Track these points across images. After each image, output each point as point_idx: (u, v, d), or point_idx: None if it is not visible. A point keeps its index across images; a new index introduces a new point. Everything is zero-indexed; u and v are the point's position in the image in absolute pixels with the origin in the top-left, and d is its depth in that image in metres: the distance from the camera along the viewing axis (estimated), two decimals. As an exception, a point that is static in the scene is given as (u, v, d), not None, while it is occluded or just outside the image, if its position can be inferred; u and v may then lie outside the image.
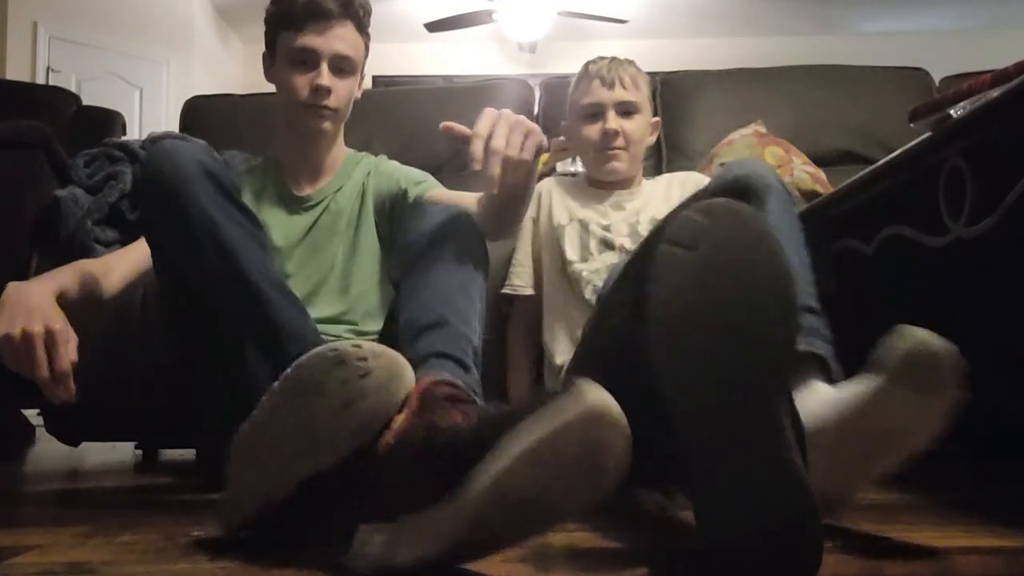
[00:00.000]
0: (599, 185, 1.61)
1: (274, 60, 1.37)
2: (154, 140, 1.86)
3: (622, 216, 1.54)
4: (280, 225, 1.37)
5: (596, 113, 1.56)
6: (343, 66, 1.34)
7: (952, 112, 1.07)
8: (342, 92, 1.34)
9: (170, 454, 2.04)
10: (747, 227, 0.73)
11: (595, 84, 1.56)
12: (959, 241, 0.98)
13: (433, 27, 5.34)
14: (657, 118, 1.64)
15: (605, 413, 0.67)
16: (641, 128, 1.57)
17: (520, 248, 1.60)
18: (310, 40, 1.31)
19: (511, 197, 1.11)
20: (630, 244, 1.48)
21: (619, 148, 1.55)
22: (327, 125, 1.35)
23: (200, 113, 2.33)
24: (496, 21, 5.34)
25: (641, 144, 1.59)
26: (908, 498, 1.11)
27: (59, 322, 1.02)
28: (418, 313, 0.96)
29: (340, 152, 1.45)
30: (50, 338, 1.00)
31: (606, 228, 1.52)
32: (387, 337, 1.17)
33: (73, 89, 3.92)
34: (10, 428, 2.26)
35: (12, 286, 1.06)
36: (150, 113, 4.97)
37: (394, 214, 1.38)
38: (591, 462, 0.68)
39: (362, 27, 1.36)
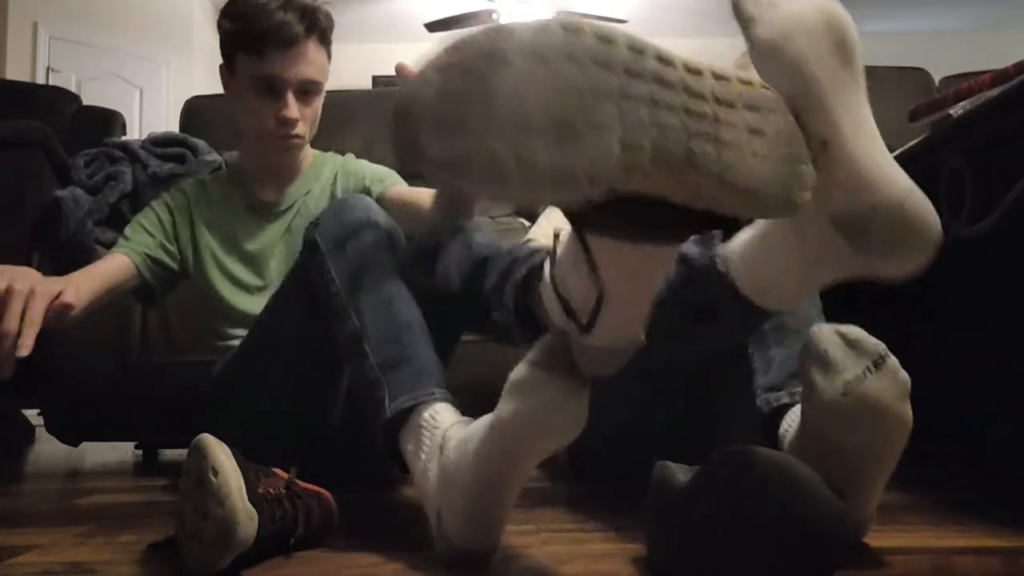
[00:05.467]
0: None
1: (233, 76, 1.27)
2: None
3: None
4: (255, 232, 1.37)
5: None
6: (310, 88, 1.26)
7: (952, 112, 1.07)
8: (309, 116, 1.29)
9: (170, 454, 2.03)
10: None
11: None
12: (959, 241, 0.98)
13: (433, 27, 5.34)
14: None
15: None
16: None
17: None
18: (274, 68, 1.21)
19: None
20: None
21: None
22: (295, 152, 1.33)
23: (200, 113, 2.32)
24: (496, 21, 5.33)
25: None
26: (906, 498, 1.11)
27: (43, 285, 0.99)
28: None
29: (306, 155, 1.42)
30: (31, 296, 0.97)
31: None
32: None
33: (73, 89, 3.92)
34: (10, 428, 2.26)
35: None
36: (150, 113, 4.97)
37: None
38: None
39: (325, 39, 1.28)
